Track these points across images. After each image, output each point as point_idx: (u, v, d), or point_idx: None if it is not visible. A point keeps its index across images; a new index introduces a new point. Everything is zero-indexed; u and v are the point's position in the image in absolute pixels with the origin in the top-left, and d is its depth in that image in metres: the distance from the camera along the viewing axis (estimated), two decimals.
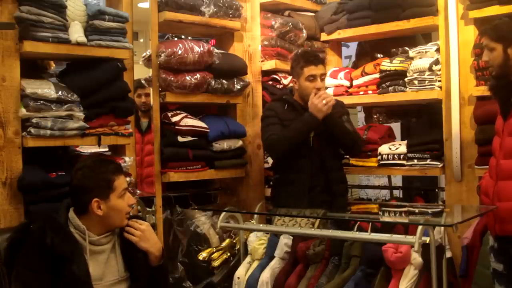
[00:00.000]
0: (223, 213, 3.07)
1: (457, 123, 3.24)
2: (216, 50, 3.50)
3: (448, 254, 3.08)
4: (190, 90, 3.40)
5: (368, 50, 4.15)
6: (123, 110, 2.99)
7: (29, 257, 2.10)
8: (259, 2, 3.87)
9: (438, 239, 2.62)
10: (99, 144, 2.91)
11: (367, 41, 4.13)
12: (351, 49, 4.90)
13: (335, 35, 3.98)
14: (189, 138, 3.39)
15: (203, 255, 3.27)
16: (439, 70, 3.35)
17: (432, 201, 3.82)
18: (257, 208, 3.20)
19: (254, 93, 3.85)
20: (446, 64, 3.29)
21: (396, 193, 4.40)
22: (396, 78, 3.53)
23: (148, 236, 2.30)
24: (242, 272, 3.05)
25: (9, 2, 2.62)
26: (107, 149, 3.22)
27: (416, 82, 3.41)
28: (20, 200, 2.64)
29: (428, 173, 3.44)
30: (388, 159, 3.52)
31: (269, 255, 3.06)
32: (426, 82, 3.37)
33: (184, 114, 3.42)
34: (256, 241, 3.13)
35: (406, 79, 3.47)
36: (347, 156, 3.60)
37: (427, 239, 2.39)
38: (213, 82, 3.50)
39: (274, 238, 3.08)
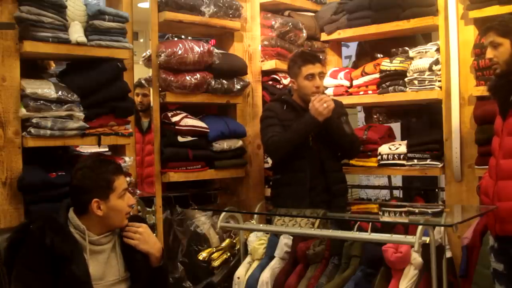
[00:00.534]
0: (223, 213, 3.06)
1: (457, 123, 3.24)
2: (216, 50, 3.50)
3: (448, 254, 3.08)
4: (190, 90, 3.40)
5: (368, 50, 4.15)
6: (123, 110, 2.99)
7: (29, 257, 2.10)
8: (259, 2, 3.87)
9: (438, 239, 2.62)
10: (99, 144, 2.91)
11: (367, 41, 4.13)
12: (351, 49, 4.90)
13: (335, 35, 3.98)
14: (189, 138, 3.39)
15: (203, 255, 3.27)
16: (439, 70, 3.35)
17: (432, 201, 3.82)
18: (257, 208, 3.20)
19: (254, 93, 3.85)
20: (446, 64, 3.29)
21: (396, 193, 4.40)
22: (396, 78, 3.53)
23: (147, 238, 2.30)
24: (242, 272, 3.05)
25: (9, 2, 2.62)
26: (107, 149, 3.22)
27: (416, 82, 3.41)
28: (20, 200, 2.65)
29: (428, 173, 3.44)
30: (388, 159, 3.52)
31: (269, 255, 3.06)
32: (426, 82, 3.37)
33: (184, 114, 3.42)
34: (256, 241, 3.13)
35: (406, 79, 3.47)
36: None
37: (427, 239, 2.38)
38: (213, 82, 3.50)
39: (274, 238, 3.08)
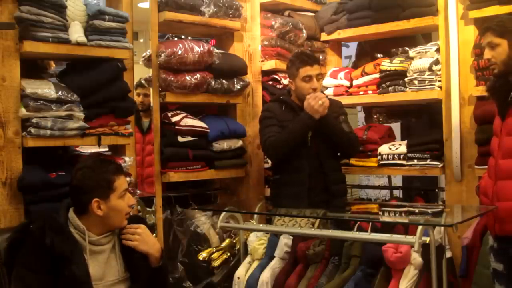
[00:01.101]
0: (223, 213, 3.07)
1: (457, 123, 3.24)
2: (216, 50, 3.50)
3: (448, 254, 3.08)
4: (190, 90, 3.40)
5: (368, 50, 4.15)
6: (123, 110, 2.99)
7: (29, 257, 2.10)
8: (259, 2, 3.87)
9: (438, 239, 2.62)
10: (99, 144, 2.91)
11: (367, 41, 4.13)
12: (351, 49, 4.90)
13: (335, 35, 3.98)
14: (189, 138, 3.39)
15: (203, 255, 3.28)
16: (439, 70, 3.35)
17: (432, 201, 3.82)
18: (257, 208, 3.20)
19: (254, 93, 3.85)
20: (446, 64, 3.29)
21: (396, 193, 4.40)
22: (396, 78, 3.53)
23: (146, 239, 2.30)
24: (242, 272, 3.05)
25: (9, 2, 2.62)
26: (107, 149, 3.22)
27: (416, 82, 3.41)
28: (20, 200, 2.64)
29: (428, 173, 3.44)
30: (388, 159, 3.53)
31: (269, 255, 3.06)
32: (426, 82, 3.37)
33: (184, 114, 3.42)
34: (256, 241, 3.13)
35: (406, 79, 3.47)
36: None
37: (427, 239, 2.39)
38: (213, 82, 3.50)
39: (274, 238, 3.08)
